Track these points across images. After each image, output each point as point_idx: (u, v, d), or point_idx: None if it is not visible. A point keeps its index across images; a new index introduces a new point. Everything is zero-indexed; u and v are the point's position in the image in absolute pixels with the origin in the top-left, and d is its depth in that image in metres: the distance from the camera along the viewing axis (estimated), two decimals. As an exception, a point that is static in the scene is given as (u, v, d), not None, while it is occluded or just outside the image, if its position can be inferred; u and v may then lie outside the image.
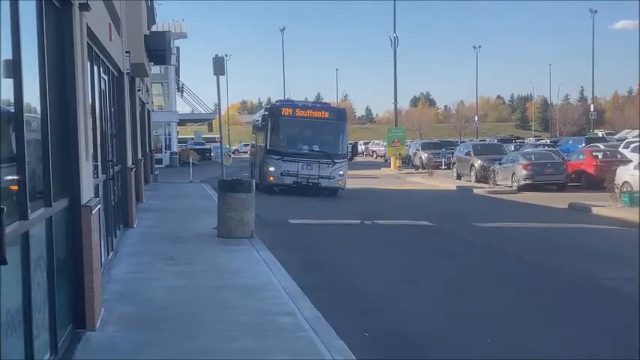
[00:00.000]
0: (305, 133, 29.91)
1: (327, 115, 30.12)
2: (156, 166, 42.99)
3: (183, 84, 67.69)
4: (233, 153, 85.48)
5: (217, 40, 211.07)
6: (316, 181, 28.69)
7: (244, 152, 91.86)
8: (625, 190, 24.74)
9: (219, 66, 18.80)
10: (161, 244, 14.53)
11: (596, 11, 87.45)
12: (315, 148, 29.37)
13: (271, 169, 28.84)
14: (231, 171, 38.43)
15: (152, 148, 40.79)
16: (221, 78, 18.89)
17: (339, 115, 31.00)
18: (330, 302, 10.12)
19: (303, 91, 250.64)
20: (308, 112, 29.88)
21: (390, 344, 8.58)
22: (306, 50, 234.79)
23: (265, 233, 16.14)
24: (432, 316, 9.99)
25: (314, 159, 28.74)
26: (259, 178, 29.20)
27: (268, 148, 29.30)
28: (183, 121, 69.27)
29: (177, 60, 59.44)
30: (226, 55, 73.60)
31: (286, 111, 29.82)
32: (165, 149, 57.56)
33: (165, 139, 58.39)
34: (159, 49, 23.15)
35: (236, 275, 11.45)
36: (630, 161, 28.15)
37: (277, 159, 28.85)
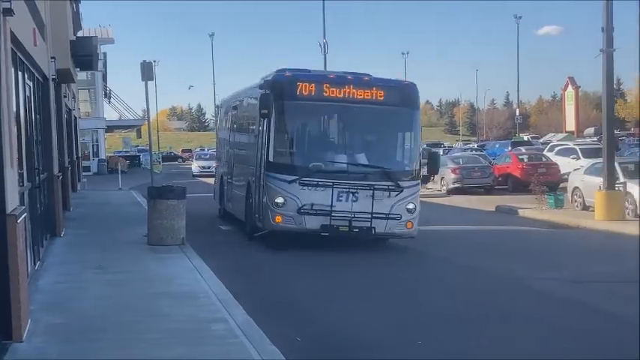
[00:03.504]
0: (342, 132, 16.87)
1: (381, 95, 16.22)
2: (84, 173, 42.29)
3: (110, 90, 66.70)
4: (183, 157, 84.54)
5: (146, 45, 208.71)
6: (367, 223, 15.49)
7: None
8: (576, 195, 25.16)
9: (147, 71, 18.61)
10: (89, 253, 14.28)
11: (520, 17, 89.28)
12: (362, 159, 16.08)
13: (279, 200, 15.50)
14: (161, 178, 38.10)
15: (79, 155, 40.11)
16: (150, 83, 18.71)
17: (406, 94, 16.61)
18: (263, 309, 10.09)
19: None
20: (346, 89, 16.05)
21: (322, 348, 8.60)
22: (237, 55, 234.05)
23: (196, 240, 15.98)
24: (364, 320, 10.04)
25: (361, 181, 15.54)
26: (249, 217, 17.39)
27: (271, 160, 15.84)
28: (111, 128, 68.37)
29: (105, 66, 58.59)
30: (154, 61, 72.62)
31: (305, 88, 15.99)
32: (93, 156, 56.75)
33: (93, 146, 57.59)
34: (85, 54, 22.76)
35: (167, 283, 11.33)
36: (574, 167, 28.46)
37: (290, 182, 15.47)
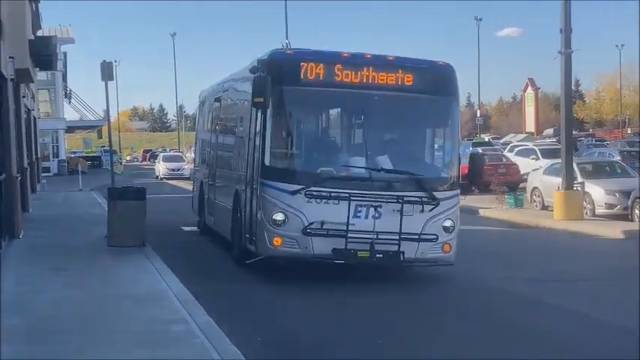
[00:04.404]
0: (360, 127, 13.23)
1: (410, 80, 12.88)
2: (43, 174, 41.86)
3: (71, 90, 66.01)
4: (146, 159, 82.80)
5: (107, 45, 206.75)
6: (393, 246, 12.10)
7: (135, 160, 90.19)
8: (535, 195, 25.43)
9: (107, 71, 18.49)
10: (49, 255, 14.14)
11: (481, 19, 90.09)
12: (386, 163, 12.53)
13: (278, 217, 12.15)
14: (123, 179, 37.86)
15: (39, 156, 39.70)
16: (110, 84, 18.59)
17: (442, 79, 13.26)
18: (223, 309, 10.08)
19: (195, 95, 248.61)
20: (365, 72, 12.72)
21: (283, 348, 8.63)
22: (199, 55, 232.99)
23: (157, 241, 15.90)
24: (323, 318, 10.06)
25: (386, 192, 12.19)
26: (237, 236, 13.92)
27: (267, 164, 12.50)
28: (71, 128, 67.69)
29: (65, 65, 57.99)
30: (115, 61, 72.12)
31: (311, 70, 12.58)
32: (53, 157, 56.21)
33: (53, 146, 57.04)
34: (44, 54, 22.55)
35: (128, 284, 11.27)
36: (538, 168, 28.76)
37: (293, 193, 12.11)
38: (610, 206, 22.19)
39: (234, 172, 14.75)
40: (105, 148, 74.04)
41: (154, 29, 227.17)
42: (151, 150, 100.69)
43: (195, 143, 21.54)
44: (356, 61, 12.75)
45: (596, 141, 59.29)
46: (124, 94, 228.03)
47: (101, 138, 56.96)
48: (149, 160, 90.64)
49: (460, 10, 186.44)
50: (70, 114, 67.86)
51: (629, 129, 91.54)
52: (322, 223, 11.86)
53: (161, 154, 59.65)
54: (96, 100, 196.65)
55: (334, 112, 14.13)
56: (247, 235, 13.04)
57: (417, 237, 12.13)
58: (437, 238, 12.28)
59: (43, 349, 7.80)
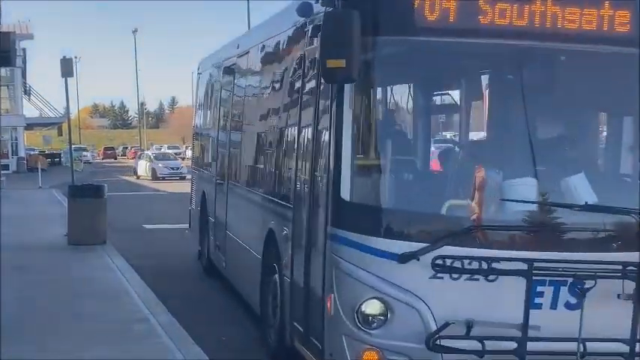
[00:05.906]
0: (532, 119, 5.89)
1: (626, 22, 5.68)
2: (2, 172, 41.35)
3: (30, 86, 65.24)
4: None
5: (68, 41, 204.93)
6: None
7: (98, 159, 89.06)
8: None
9: (67, 67, 18.23)
10: (8, 254, 13.90)
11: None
12: (587, 193, 5.76)
13: (371, 309, 5.60)
14: (82, 176, 37.50)
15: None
16: (71, 80, 18.34)
17: None
18: (186, 309, 10.03)
19: (156, 92, 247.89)
20: (538, 6, 5.64)
21: (246, 346, 8.61)
22: (161, 51, 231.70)
23: (118, 239, 15.78)
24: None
25: (596, 253, 5.46)
26: (272, 320, 7.74)
27: (346, 197, 5.70)
28: (31, 125, 66.93)
29: (24, 62, 57.36)
30: (76, 57, 71.47)
31: (437, 3, 5.51)
32: (12, 154, 55.58)
33: (12, 144, 56.43)
34: (3, 50, 22.21)
35: (88, 283, 11.16)
36: None
37: (401, 258, 5.44)
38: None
39: (267, 195, 8.41)
40: (77, 146, 73.19)
41: (115, 26, 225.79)
42: (113, 147, 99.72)
43: (194, 135, 15.40)
44: None
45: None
46: (84, 90, 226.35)
47: (61, 135, 56.38)
48: (106, 158, 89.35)
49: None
50: (29, 111, 67.16)
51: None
52: (469, 323, 5.59)
53: (151, 153, 55.61)
54: (56, 96, 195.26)
55: (481, 86, 6.92)
56: (300, 329, 6.85)
57: None
58: None
59: (5, 349, 7.70)
